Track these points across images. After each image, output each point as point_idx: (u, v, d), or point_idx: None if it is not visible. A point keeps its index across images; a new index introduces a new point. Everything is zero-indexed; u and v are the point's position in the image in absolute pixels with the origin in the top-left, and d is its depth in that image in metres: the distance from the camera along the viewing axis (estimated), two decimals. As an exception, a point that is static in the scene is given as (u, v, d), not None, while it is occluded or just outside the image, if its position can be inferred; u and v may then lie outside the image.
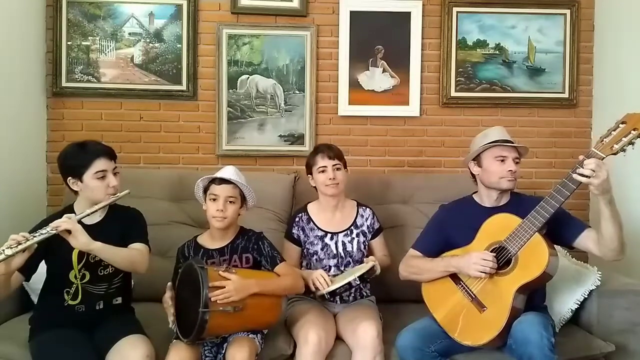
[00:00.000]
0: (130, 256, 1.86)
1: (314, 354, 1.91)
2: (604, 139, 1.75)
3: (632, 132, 1.70)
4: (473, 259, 1.90)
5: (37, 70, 2.81)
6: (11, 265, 1.65)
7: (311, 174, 2.30)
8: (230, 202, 2.00)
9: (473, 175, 2.15)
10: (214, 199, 1.99)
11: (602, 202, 1.76)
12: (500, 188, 2.05)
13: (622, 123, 1.74)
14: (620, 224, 1.80)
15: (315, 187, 2.31)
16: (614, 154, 1.73)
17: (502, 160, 2.03)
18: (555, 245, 1.93)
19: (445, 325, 1.94)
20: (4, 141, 2.47)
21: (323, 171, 2.23)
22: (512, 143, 2.06)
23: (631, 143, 1.71)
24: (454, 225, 2.10)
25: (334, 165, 2.22)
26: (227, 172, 2.04)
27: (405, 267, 2.14)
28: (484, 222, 2.00)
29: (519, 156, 2.06)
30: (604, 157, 1.73)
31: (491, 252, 1.92)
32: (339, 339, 2.05)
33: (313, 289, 2.08)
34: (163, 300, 1.92)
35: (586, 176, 1.71)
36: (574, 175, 1.75)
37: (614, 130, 1.75)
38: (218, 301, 1.76)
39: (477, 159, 2.10)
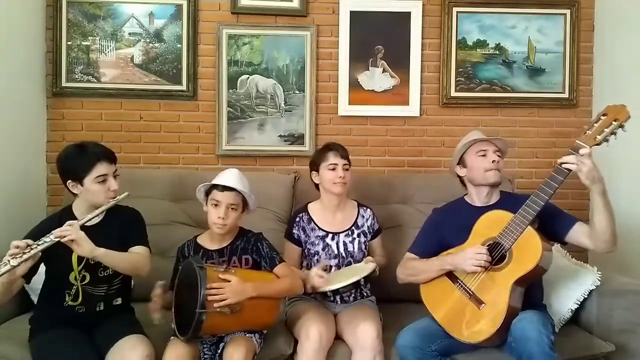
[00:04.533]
0: (133, 261, 1.87)
1: (315, 350, 1.91)
2: (587, 131, 1.82)
3: (614, 122, 1.78)
4: (468, 254, 1.92)
5: (37, 70, 2.81)
6: (15, 273, 1.65)
7: (317, 170, 2.28)
8: (232, 209, 1.99)
9: (461, 180, 2.20)
10: (216, 205, 1.99)
11: (595, 191, 1.80)
12: (487, 182, 2.10)
13: (604, 115, 1.82)
14: (612, 216, 1.83)
15: (317, 184, 2.31)
16: (598, 144, 1.79)
17: (484, 155, 2.10)
18: (556, 245, 1.94)
19: (445, 324, 1.94)
20: (4, 141, 2.47)
21: (333, 169, 2.22)
22: (491, 140, 2.12)
23: (613, 133, 1.78)
24: (447, 227, 2.12)
25: (344, 164, 2.23)
26: (230, 177, 2.02)
27: (403, 270, 2.15)
28: (476, 221, 2.02)
29: (499, 150, 2.11)
30: (589, 148, 1.79)
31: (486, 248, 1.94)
32: (339, 338, 2.06)
33: (310, 290, 2.08)
34: (153, 293, 1.90)
35: (573, 163, 1.77)
36: (561, 165, 1.81)
37: (596, 122, 1.82)
38: (214, 303, 1.76)
39: (461, 161, 2.16)
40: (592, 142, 1.79)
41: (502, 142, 2.14)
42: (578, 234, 1.95)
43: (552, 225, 1.98)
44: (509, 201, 2.07)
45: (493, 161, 2.08)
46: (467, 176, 2.15)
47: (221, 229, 1.98)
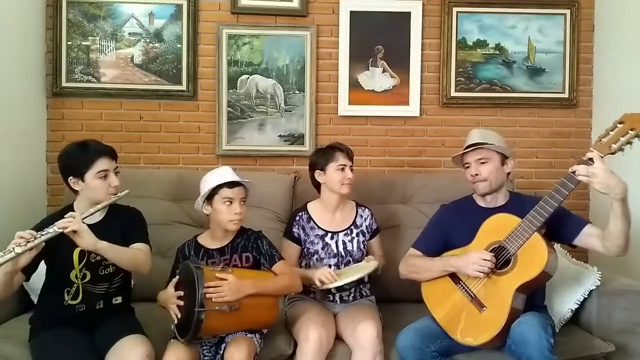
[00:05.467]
0: (134, 256, 1.87)
1: (315, 352, 1.91)
2: (602, 139, 1.76)
3: (630, 132, 1.72)
4: (472, 258, 1.91)
5: (37, 70, 2.81)
6: (18, 264, 1.65)
7: (322, 170, 2.25)
8: (243, 202, 2.02)
9: None
10: (230, 203, 1.99)
11: (613, 198, 1.75)
12: (477, 193, 2.10)
13: (620, 123, 1.76)
14: (629, 222, 1.79)
15: (318, 184, 2.29)
16: (612, 153, 1.74)
17: (468, 167, 2.09)
18: (556, 245, 1.93)
19: (444, 324, 1.94)
20: (4, 141, 2.47)
21: (342, 169, 2.22)
22: (470, 148, 2.06)
23: (629, 142, 1.72)
24: (454, 225, 2.11)
25: (350, 166, 2.24)
26: (228, 173, 2.02)
27: (405, 266, 2.14)
28: (483, 221, 2.00)
29: (481, 157, 2.05)
30: (602, 157, 1.74)
31: (490, 251, 1.93)
32: (338, 338, 2.05)
33: (318, 284, 2.07)
34: (167, 296, 1.88)
35: (583, 175, 1.73)
36: (574, 174, 1.76)
37: (612, 130, 1.76)
38: (213, 299, 1.76)
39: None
40: (606, 150, 1.73)
41: (494, 146, 2.05)
42: (589, 237, 1.92)
43: (561, 228, 1.96)
44: (518, 204, 2.04)
45: (471, 175, 2.06)
46: None
47: (238, 224, 2.01)
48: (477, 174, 2.05)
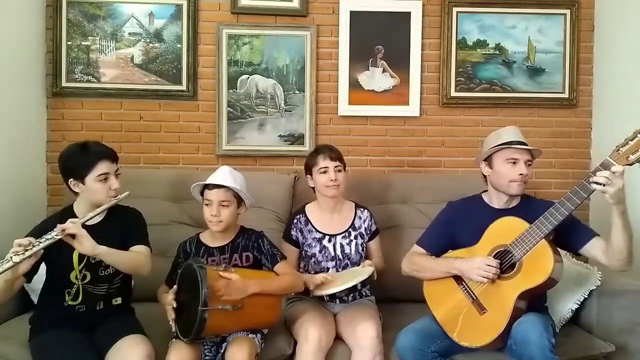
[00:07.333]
0: (133, 259, 1.87)
1: (315, 352, 1.91)
2: (620, 149, 1.72)
3: None
4: (476, 263, 1.89)
5: (37, 70, 2.81)
6: (18, 271, 1.66)
7: (311, 174, 2.28)
8: (224, 205, 2.00)
9: (484, 175, 2.10)
10: (208, 204, 2.00)
11: (616, 212, 1.74)
12: (508, 193, 2.00)
13: None
14: (631, 235, 1.78)
15: (313, 188, 2.31)
16: (630, 164, 1.69)
17: (514, 163, 1.98)
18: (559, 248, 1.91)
19: (444, 324, 1.94)
20: (4, 141, 2.47)
21: (324, 172, 2.21)
22: (526, 145, 2.00)
23: None
24: (460, 224, 2.08)
25: (335, 166, 2.21)
26: (221, 174, 2.03)
27: (408, 263, 2.13)
28: (491, 223, 1.97)
29: (531, 159, 2.00)
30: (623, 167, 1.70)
31: (496, 255, 1.91)
32: (338, 338, 2.06)
33: (312, 288, 2.08)
34: (165, 302, 1.90)
35: (601, 184, 1.70)
36: (589, 184, 1.73)
37: (632, 140, 1.70)
38: (217, 295, 1.76)
39: (488, 159, 2.05)
40: (623, 161, 1.69)
41: (537, 151, 2.02)
42: (594, 248, 1.90)
43: (568, 236, 1.94)
44: (528, 207, 2.00)
45: (520, 174, 1.95)
46: (490, 177, 2.06)
47: (217, 225, 2.00)
48: (526, 174, 1.97)
